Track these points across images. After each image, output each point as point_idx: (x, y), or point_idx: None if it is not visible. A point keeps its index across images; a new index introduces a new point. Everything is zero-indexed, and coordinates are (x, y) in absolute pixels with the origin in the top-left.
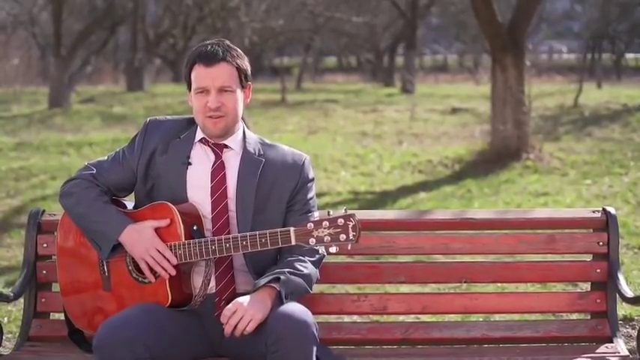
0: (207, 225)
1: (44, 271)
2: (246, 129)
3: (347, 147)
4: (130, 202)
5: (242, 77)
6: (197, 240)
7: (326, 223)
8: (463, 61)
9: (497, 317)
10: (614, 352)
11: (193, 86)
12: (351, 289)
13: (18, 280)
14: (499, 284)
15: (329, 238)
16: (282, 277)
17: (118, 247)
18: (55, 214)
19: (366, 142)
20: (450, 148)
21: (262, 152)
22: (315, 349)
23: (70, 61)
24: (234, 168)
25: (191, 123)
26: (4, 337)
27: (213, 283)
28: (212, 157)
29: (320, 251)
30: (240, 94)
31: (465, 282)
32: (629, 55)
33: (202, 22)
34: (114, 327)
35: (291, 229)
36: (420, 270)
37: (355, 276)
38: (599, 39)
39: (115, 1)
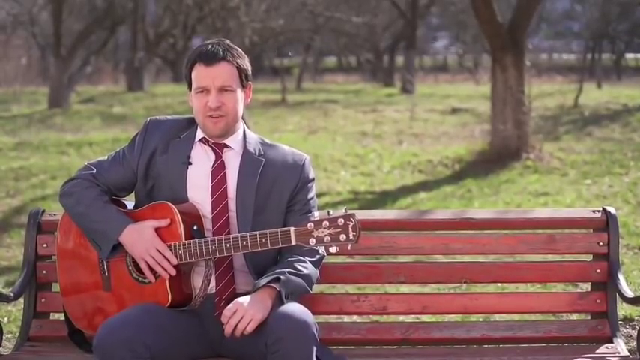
0: (208, 225)
1: (44, 271)
2: (246, 129)
3: (347, 147)
4: (130, 202)
5: (242, 77)
6: (197, 240)
7: (326, 223)
8: (463, 61)
9: (497, 317)
10: (614, 352)
11: (194, 86)
12: (351, 289)
13: (18, 280)
14: (499, 284)
15: (329, 239)
16: (282, 277)
17: (118, 247)
18: (55, 214)
19: (366, 142)
20: (450, 148)
21: (262, 152)
22: (315, 349)
23: (70, 61)
24: (234, 168)
25: (191, 123)
26: (4, 337)
27: (213, 283)
28: (212, 156)
29: (320, 251)
30: (240, 93)
31: (465, 282)
32: (629, 55)
33: (202, 22)
34: (114, 327)
35: (292, 229)
36: (420, 270)
37: (355, 276)
38: (599, 39)
39: (115, 1)
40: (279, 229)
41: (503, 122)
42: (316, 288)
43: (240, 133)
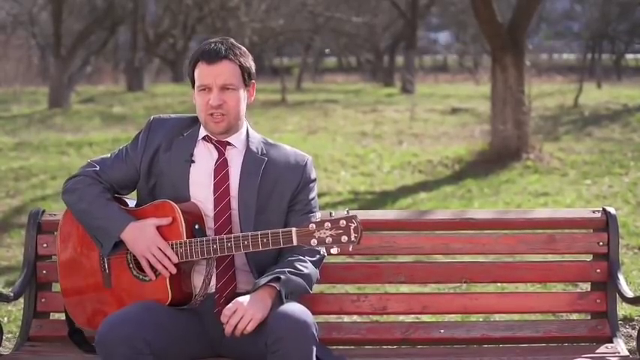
0: (209, 223)
1: (44, 271)
2: (249, 128)
3: (347, 147)
4: (132, 200)
5: (245, 75)
6: (198, 239)
7: (328, 224)
8: (463, 61)
9: (497, 317)
10: (614, 352)
11: (196, 84)
12: (351, 289)
13: (18, 280)
14: (499, 284)
15: (330, 240)
16: (282, 276)
17: (119, 245)
18: (55, 214)
19: (366, 142)
20: (450, 148)
21: (265, 151)
22: (315, 349)
23: (69, 61)
24: (236, 166)
25: (195, 121)
26: (4, 337)
27: (213, 281)
28: (215, 154)
29: (321, 251)
30: (242, 92)
31: (465, 282)
32: (629, 55)
33: (202, 21)
34: (114, 324)
35: (293, 229)
36: (420, 270)
37: (355, 276)
38: (599, 39)
39: (115, 1)
40: (280, 230)
41: (503, 122)
42: (316, 288)
43: (243, 131)
